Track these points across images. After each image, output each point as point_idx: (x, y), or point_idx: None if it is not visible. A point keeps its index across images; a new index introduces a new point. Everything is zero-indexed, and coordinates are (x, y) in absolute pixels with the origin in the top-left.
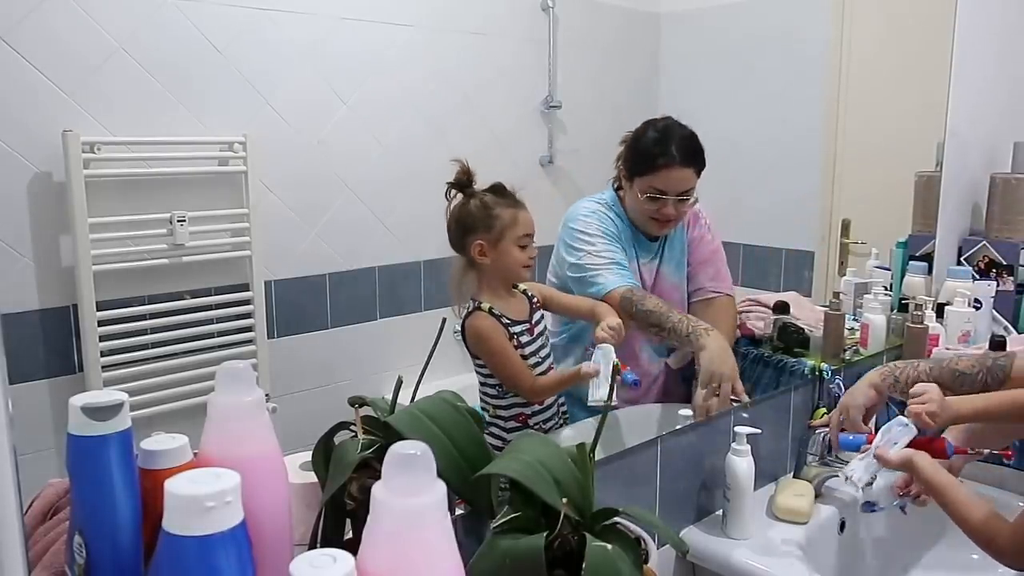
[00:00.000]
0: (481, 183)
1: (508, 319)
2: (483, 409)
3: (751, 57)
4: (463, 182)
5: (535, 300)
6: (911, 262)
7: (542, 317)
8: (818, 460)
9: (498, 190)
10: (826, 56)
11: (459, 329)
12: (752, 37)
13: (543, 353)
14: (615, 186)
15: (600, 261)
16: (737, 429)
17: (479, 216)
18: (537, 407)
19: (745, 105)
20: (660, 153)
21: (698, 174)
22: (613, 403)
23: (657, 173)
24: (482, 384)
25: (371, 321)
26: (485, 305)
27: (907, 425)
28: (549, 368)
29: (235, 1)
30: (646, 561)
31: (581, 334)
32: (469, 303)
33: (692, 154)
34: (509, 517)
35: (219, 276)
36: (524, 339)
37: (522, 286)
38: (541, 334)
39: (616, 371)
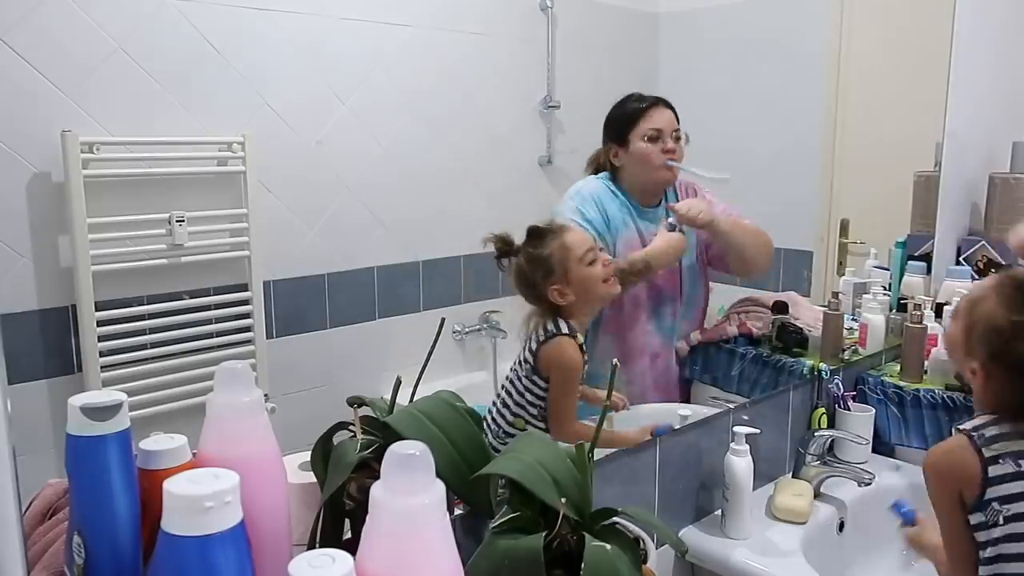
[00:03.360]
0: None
1: (586, 357)
2: (509, 419)
3: (750, 57)
4: (504, 250)
5: None
6: (910, 262)
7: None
8: (817, 460)
9: (533, 233)
10: (825, 56)
11: (531, 342)
12: (751, 37)
13: None
14: (606, 174)
15: None
16: (736, 429)
17: (534, 268)
18: None
19: (744, 105)
20: (640, 101)
21: (676, 116)
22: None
23: (646, 115)
24: (525, 398)
25: (370, 321)
26: (580, 337)
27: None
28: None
29: (234, 1)
30: (645, 561)
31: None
32: (546, 333)
33: (662, 99)
34: (508, 517)
35: (218, 276)
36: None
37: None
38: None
39: (615, 370)
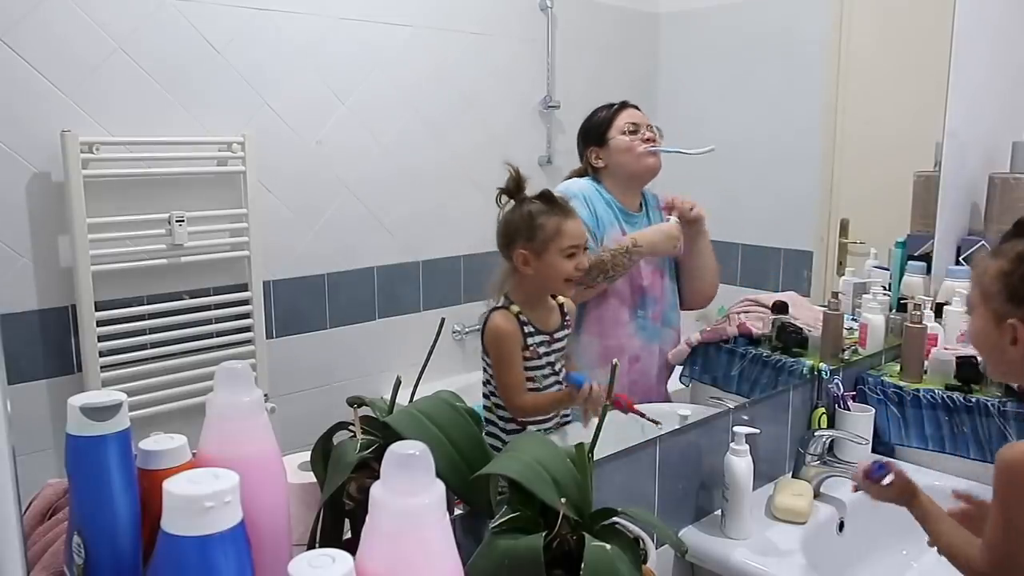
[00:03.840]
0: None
1: (532, 328)
2: (486, 408)
3: (750, 57)
4: (512, 189)
5: (567, 317)
6: (910, 262)
7: (566, 336)
8: (817, 460)
9: (546, 197)
10: (825, 56)
11: (480, 323)
12: (751, 37)
13: (557, 367)
14: (589, 177)
15: None
16: (736, 429)
17: (523, 226)
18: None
19: (744, 105)
20: (606, 108)
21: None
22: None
23: (619, 114)
24: (487, 383)
25: (370, 321)
26: (514, 308)
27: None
28: (553, 385)
29: (234, 1)
30: (645, 561)
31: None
32: (501, 299)
33: (628, 101)
34: (508, 517)
35: (218, 276)
36: (542, 349)
37: (560, 299)
38: (560, 351)
39: (615, 370)
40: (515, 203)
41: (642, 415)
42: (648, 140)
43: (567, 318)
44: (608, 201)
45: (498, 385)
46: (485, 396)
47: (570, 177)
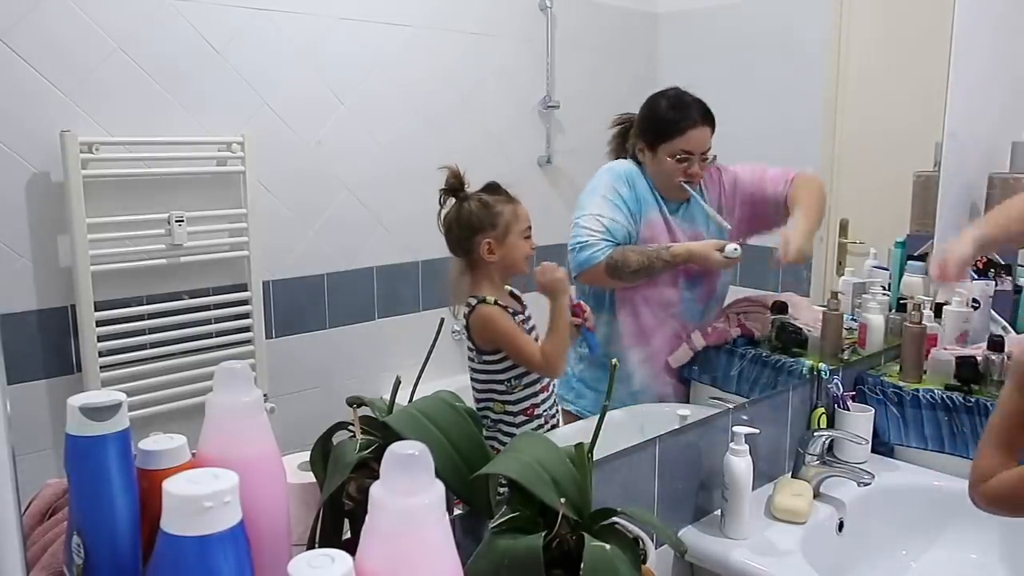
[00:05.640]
0: (480, 183)
1: (512, 310)
2: (486, 409)
3: (749, 57)
4: (455, 186)
5: (522, 300)
6: (909, 262)
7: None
8: (817, 460)
9: (493, 188)
10: (824, 56)
11: (462, 327)
12: (750, 37)
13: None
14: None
15: (596, 228)
16: (735, 429)
17: (483, 215)
18: (543, 396)
19: (743, 105)
20: (682, 117)
21: (713, 133)
22: None
23: (684, 135)
24: (487, 382)
25: (369, 321)
26: (490, 299)
27: None
28: None
29: (234, 1)
30: (644, 561)
31: None
32: (471, 300)
33: (707, 113)
34: (507, 517)
35: (217, 276)
36: (527, 326)
37: (507, 287)
38: (532, 329)
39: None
40: (458, 200)
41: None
42: (691, 175)
43: (522, 300)
44: (649, 184)
45: (518, 357)
46: (491, 397)
47: (613, 142)
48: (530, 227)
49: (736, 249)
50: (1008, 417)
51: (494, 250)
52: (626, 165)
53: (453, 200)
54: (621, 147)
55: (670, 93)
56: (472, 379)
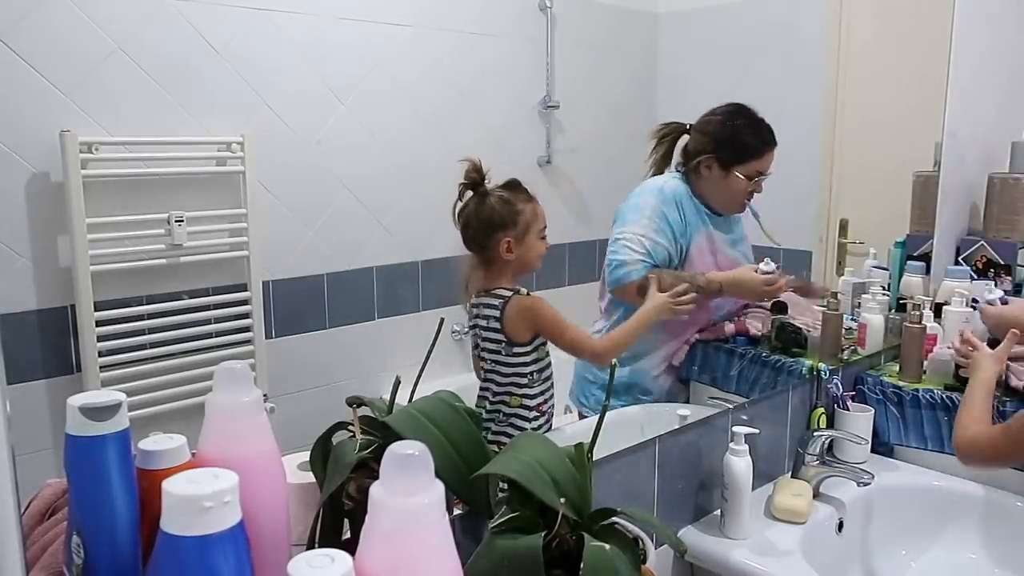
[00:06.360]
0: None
1: None
2: (501, 403)
3: (749, 57)
4: (476, 181)
5: None
6: (909, 262)
7: None
8: (816, 460)
9: (514, 185)
10: (824, 56)
11: (496, 317)
12: (750, 37)
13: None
14: (680, 172)
15: (636, 248)
16: (735, 429)
17: (504, 213)
18: (551, 393)
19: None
20: (762, 140)
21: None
22: None
23: (762, 157)
24: (511, 375)
25: (369, 321)
26: (523, 290)
27: None
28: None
29: (234, 1)
30: (644, 561)
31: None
32: (502, 292)
33: (773, 133)
34: (507, 517)
35: (217, 276)
36: None
37: None
38: None
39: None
40: (478, 195)
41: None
42: (752, 193)
43: None
44: (697, 206)
45: (568, 343)
46: (509, 391)
47: (659, 149)
48: (546, 226)
49: (769, 262)
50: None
51: (512, 249)
52: (675, 186)
53: (471, 194)
54: (666, 159)
55: (744, 112)
56: (492, 372)
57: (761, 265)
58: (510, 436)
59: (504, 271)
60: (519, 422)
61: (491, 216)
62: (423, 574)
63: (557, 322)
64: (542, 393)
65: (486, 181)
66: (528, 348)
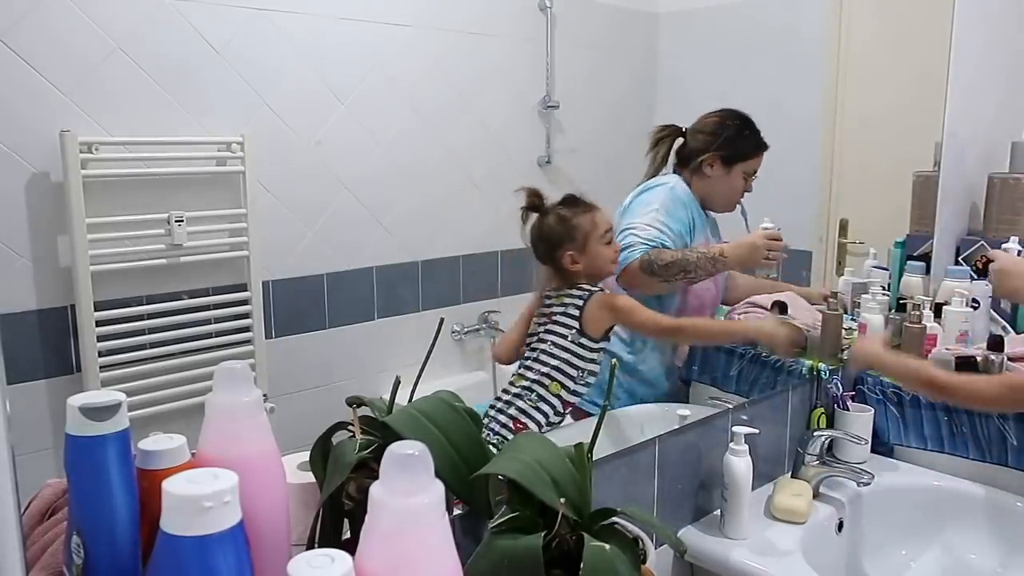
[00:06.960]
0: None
1: None
2: (539, 384)
3: (748, 57)
4: (535, 204)
5: None
6: (909, 262)
7: None
8: (816, 460)
9: (570, 201)
10: (824, 57)
11: (577, 306)
12: (749, 37)
13: None
14: (678, 173)
15: (643, 234)
16: (735, 429)
17: (561, 230)
18: (579, 401)
19: (743, 105)
20: (759, 140)
21: None
22: None
23: (759, 155)
24: (566, 361)
25: (369, 321)
26: (598, 285)
27: None
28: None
29: (234, 1)
30: (644, 561)
31: None
32: (583, 290)
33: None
34: (507, 517)
35: (217, 276)
36: None
37: None
38: None
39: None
40: (539, 216)
41: None
42: (746, 191)
43: None
44: (697, 207)
45: (644, 322)
46: (545, 372)
47: (659, 149)
48: (610, 230)
49: (768, 221)
50: None
51: (577, 260)
52: (682, 188)
53: (535, 216)
54: (663, 160)
55: (739, 114)
56: (546, 353)
57: (762, 224)
58: (530, 417)
59: (577, 280)
60: (544, 408)
61: (550, 234)
62: (423, 574)
63: (635, 307)
64: (577, 394)
65: (545, 202)
66: (595, 345)
